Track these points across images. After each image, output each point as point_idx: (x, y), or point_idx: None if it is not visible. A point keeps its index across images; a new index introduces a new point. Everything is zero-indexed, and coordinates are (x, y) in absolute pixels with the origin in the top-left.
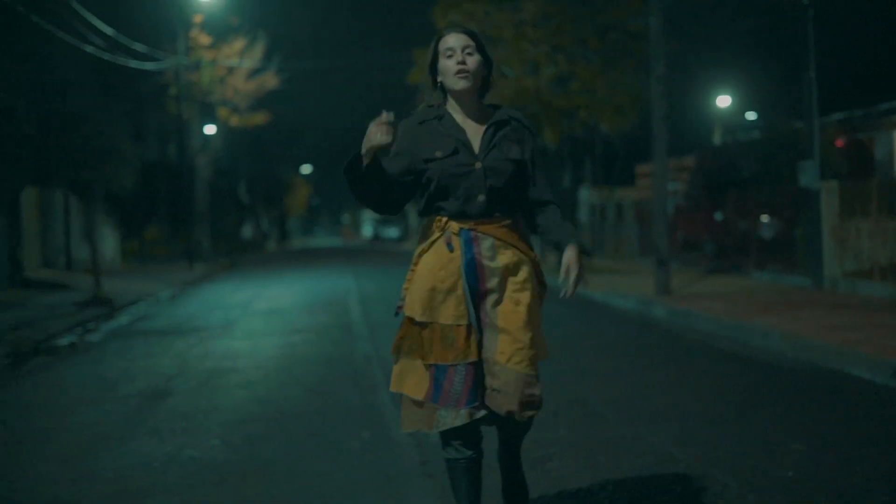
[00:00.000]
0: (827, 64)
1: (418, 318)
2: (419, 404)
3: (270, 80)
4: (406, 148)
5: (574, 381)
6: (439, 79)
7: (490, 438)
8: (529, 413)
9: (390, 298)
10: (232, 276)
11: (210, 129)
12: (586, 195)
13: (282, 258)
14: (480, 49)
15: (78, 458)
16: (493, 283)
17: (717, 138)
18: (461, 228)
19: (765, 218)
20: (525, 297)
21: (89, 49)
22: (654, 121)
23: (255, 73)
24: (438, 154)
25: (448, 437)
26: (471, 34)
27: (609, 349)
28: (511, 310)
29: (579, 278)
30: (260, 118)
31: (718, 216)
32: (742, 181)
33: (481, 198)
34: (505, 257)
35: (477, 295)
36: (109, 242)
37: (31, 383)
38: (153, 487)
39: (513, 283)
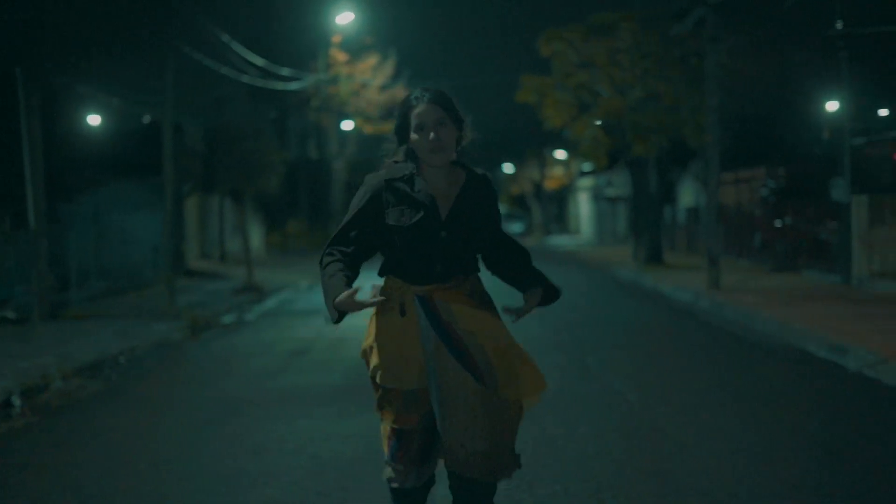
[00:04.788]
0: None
1: (387, 385)
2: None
3: (400, 94)
4: (370, 209)
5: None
6: (409, 145)
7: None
8: (476, 470)
9: None
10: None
11: (347, 125)
12: (687, 198)
13: None
14: (452, 115)
15: (254, 382)
16: (463, 340)
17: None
18: (416, 294)
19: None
20: (490, 343)
21: (245, 79)
22: (707, 146)
23: (386, 86)
24: (404, 220)
25: (398, 495)
26: (443, 104)
27: (648, 333)
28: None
29: (524, 313)
30: (390, 127)
31: (778, 223)
32: (805, 190)
33: (441, 263)
34: (464, 318)
35: (454, 350)
36: (255, 235)
37: (210, 346)
38: (304, 395)
39: (481, 338)
